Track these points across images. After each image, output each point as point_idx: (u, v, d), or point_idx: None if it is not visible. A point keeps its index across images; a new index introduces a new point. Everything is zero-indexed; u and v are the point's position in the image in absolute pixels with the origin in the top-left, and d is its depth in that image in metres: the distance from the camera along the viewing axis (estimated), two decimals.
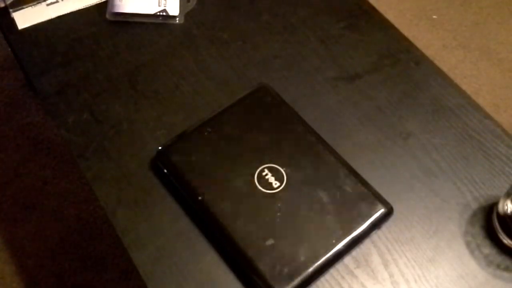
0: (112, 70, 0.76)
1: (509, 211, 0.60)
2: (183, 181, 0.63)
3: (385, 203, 0.62)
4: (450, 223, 0.63)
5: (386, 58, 0.77)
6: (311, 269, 0.57)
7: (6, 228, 1.21)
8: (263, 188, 0.62)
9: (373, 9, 0.83)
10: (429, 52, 1.39)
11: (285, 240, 0.59)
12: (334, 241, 0.59)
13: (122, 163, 0.68)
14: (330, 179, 0.63)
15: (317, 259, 0.58)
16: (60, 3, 0.83)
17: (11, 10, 0.81)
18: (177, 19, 0.81)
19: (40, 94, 0.74)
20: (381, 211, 0.61)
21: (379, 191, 0.63)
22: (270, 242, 0.59)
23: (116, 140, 0.70)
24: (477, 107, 0.72)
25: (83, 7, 0.83)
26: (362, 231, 0.60)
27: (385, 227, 0.63)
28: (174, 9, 0.82)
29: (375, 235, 0.62)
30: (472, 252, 0.61)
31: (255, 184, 0.62)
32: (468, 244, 0.62)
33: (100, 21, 0.81)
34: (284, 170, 0.63)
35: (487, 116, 0.71)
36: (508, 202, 0.60)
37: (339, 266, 0.60)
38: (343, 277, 0.60)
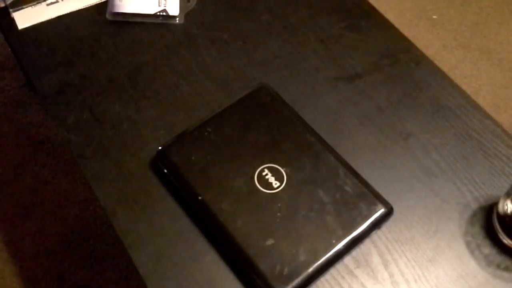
0: (112, 70, 0.76)
1: (509, 211, 0.60)
2: (183, 181, 0.63)
3: (385, 203, 0.62)
4: (450, 223, 0.63)
5: (386, 58, 0.77)
6: (311, 269, 0.57)
7: (6, 228, 1.21)
8: (263, 188, 0.62)
9: (373, 9, 0.83)
10: (429, 52, 1.39)
11: (285, 240, 0.59)
12: (334, 241, 0.59)
13: (122, 163, 0.68)
14: (330, 179, 0.63)
15: (317, 259, 0.58)
16: (60, 3, 0.83)
17: (11, 10, 0.81)
18: (177, 19, 0.81)
19: (40, 94, 0.74)
20: (381, 211, 0.61)
21: (379, 191, 0.63)
22: (270, 242, 0.59)
23: (116, 140, 0.70)
24: (477, 107, 0.72)
25: (83, 7, 0.83)
26: (362, 231, 0.60)
27: (385, 227, 0.63)
28: (174, 9, 0.82)
29: (375, 235, 0.62)
30: (472, 252, 0.61)
31: (255, 184, 0.62)
32: (468, 244, 0.62)
33: (100, 21, 0.81)
34: (284, 170, 0.63)
35: (487, 116, 0.71)
36: (508, 202, 0.60)
37: (339, 266, 0.60)
38: (343, 277, 0.60)
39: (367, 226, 0.60)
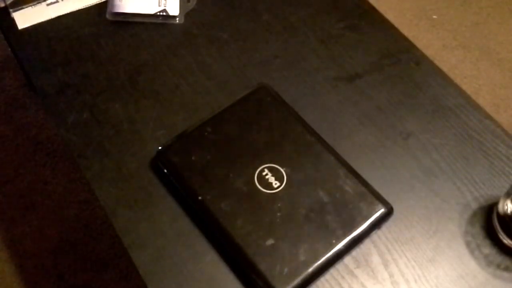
0: (112, 70, 0.76)
1: (509, 211, 0.60)
2: (183, 181, 0.63)
3: (385, 203, 0.62)
4: (450, 223, 0.63)
5: (386, 58, 0.77)
6: (311, 269, 0.57)
7: (6, 228, 1.21)
8: (263, 188, 0.62)
9: (373, 9, 0.83)
10: (429, 52, 1.39)
11: (285, 240, 0.59)
12: (334, 241, 0.59)
13: (122, 163, 0.68)
14: (330, 179, 0.63)
15: (317, 259, 0.58)
16: (60, 3, 0.83)
17: (11, 10, 0.81)
18: (177, 19, 0.81)
19: (40, 94, 0.74)
20: (381, 211, 0.61)
21: (379, 191, 0.63)
22: (270, 242, 0.59)
23: (116, 140, 0.70)
24: (477, 107, 0.72)
25: (83, 7, 0.83)
26: (362, 231, 0.60)
27: (385, 227, 0.63)
28: (174, 9, 0.82)
29: (375, 235, 0.62)
30: (472, 252, 0.61)
31: (255, 184, 0.62)
32: (468, 244, 0.62)
33: (100, 21, 0.81)
34: (284, 170, 0.63)
35: (487, 116, 0.71)
36: (508, 202, 0.60)
37: (339, 266, 0.60)
38: (343, 277, 0.60)
39: (367, 226, 0.60)
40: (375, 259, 0.61)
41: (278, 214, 0.60)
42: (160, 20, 0.81)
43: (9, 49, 1.45)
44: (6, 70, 1.46)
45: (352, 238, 0.59)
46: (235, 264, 0.60)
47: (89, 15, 0.82)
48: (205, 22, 0.81)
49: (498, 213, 0.62)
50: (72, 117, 0.71)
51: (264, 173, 0.63)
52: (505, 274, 0.60)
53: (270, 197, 0.61)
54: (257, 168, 0.63)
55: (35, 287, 1.14)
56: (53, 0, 0.83)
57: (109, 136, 0.70)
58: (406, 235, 0.63)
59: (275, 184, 0.62)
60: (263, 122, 0.67)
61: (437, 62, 0.81)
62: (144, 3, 0.81)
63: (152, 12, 0.81)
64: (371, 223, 0.60)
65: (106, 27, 0.81)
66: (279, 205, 0.61)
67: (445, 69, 0.81)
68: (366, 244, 0.62)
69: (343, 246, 0.59)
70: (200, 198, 0.62)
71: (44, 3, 0.83)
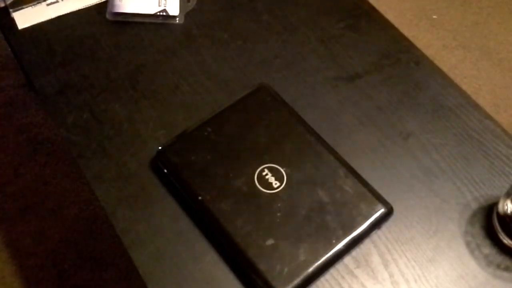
0: (112, 70, 0.76)
1: (509, 211, 0.60)
2: (183, 181, 0.63)
3: (385, 203, 0.62)
4: (450, 223, 0.63)
5: (386, 58, 0.77)
6: (311, 269, 0.57)
7: (6, 228, 1.21)
8: (263, 188, 0.62)
9: (373, 9, 0.83)
10: (429, 52, 1.39)
11: (285, 240, 0.59)
12: (334, 241, 0.59)
13: (122, 163, 0.68)
14: (330, 179, 0.63)
15: (317, 259, 0.58)
16: (60, 3, 0.83)
17: (11, 10, 0.81)
18: (177, 19, 0.81)
19: (40, 94, 0.74)
20: (381, 211, 0.61)
21: (379, 191, 0.63)
22: (270, 242, 0.58)
23: (116, 140, 0.70)
24: (477, 107, 0.72)
25: (83, 7, 0.83)
26: (362, 231, 0.60)
27: (385, 227, 0.63)
28: (174, 9, 0.82)
29: (375, 235, 0.62)
30: (472, 252, 0.61)
31: (255, 184, 0.62)
32: (468, 244, 0.62)
33: (100, 21, 0.81)
34: (284, 170, 0.63)
35: (487, 116, 0.71)
36: (508, 202, 0.60)
37: (339, 266, 0.60)
38: (343, 277, 0.60)
39: (367, 226, 0.60)
40: (375, 259, 0.61)
41: (278, 214, 0.60)
42: (160, 20, 0.81)
43: (9, 49, 1.45)
44: (6, 70, 1.46)
45: (352, 238, 0.59)
46: (235, 264, 0.60)
47: (89, 15, 0.82)
48: (205, 22, 0.81)
49: (498, 213, 0.62)
50: (72, 117, 0.71)
51: (264, 173, 0.63)
52: (505, 274, 0.60)
53: (270, 197, 0.61)
54: (257, 168, 0.63)
55: (35, 287, 1.14)
56: (53, 0, 0.83)
57: (109, 136, 0.70)
58: (406, 235, 0.63)
59: (275, 184, 0.62)
60: (263, 122, 0.67)
61: (437, 62, 0.81)
62: (144, 3, 0.81)
63: (152, 12, 0.81)
64: (371, 223, 0.60)
65: (106, 27, 0.81)
66: (279, 205, 0.61)
67: (445, 69, 0.81)
68: (366, 244, 0.62)
69: (343, 246, 0.59)
70: (200, 198, 0.62)
71: (44, 3, 0.83)
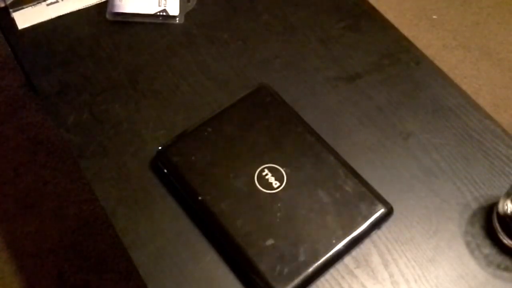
0: (112, 70, 0.76)
1: (509, 211, 0.60)
2: (183, 181, 0.63)
3: (385, 203, 0.62)
4: (450, 223, 0.63)
5: (386, 58, 0.77)
6: (311, 269, 0.57)
7: (6, 228, 1.21)
8: (263, 188, 0.62)
9: (373, 9, 0.83)
10: (429, 52, 1.39)
11: (285, 240, 0.59)
12: (334, 241, 0.59)
13: (122, 163, 0.68)
14: (330, 179, 0.63)
15: (317, 259, 0.58)
16: (60, 3, 0.83)
17: (11, 10, 0.81)
18: (177, 19, 0.81)
19: (40, 94, 0.74)
20: (381, 211, 0.61)
21: (379, 191, 0.63)
22: (270, 242, 0.59)
23: (116, 140, 0.70)
24: (477, 107, 0.72)
25: (83, 7, 0.83)
26: (362, 231, 0.60)
27: (385, 227, 0.63)
28: (174, 9, 0.82)
29: (375, 235, 0.62)
30: (472, 252, 0.61)
31: (255, 184, 0.62)
32: (468, 244, 0.62)
33: (100, 21, 0.81)
34: (284, 170, 0.63)
35: (487, 116, 0.71)
36: (508, 202, 0.60)
37: (339, 266, 0.60)
38: (343, 277, 0.60)
39: (367, 226, 0.60)
40: (375, 259, 0.61)
41: (278, 214, 0.60)
42: (160, 20, 0.81)
43: (9, 49, 1.45)
44: (6, 70, 1.46)
45: (352, 238, 0.59)
46: (235, 264, 0.60)
47: (89, 15, 0.82)
48: (205, 22, 0.81)
49: (498, 213, 0.62)
50: (72, 117, 0.71)
51: (264, 173, 0.63)
52: (505, 274, 0.60)
53: (270, 197, 0.61)
54: (257, 168, 0.63)
55: (35, 287, 1.14)
56: (53, 0, 0.83)
57: (109, 136, 0.70)
58: (406, 235, 0.63)
59: (275, 184, 0.62)
60: (263, 122, 0.67)
61: (437, 62, 0.81)
62: (144, 3, 0.81)
63: (152, 12, 0.81)
64: (371, 223, 0.60)
65: (106, 27, 0.81)
66: (279, 205, 0.61)
67: (445, 69, 0.81)
68: (366, 244, 0.62)
69: (343, 246, 0.59)
70: (200, 198, 0.62)
71: (44, 3, 0.83)
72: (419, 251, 0.61)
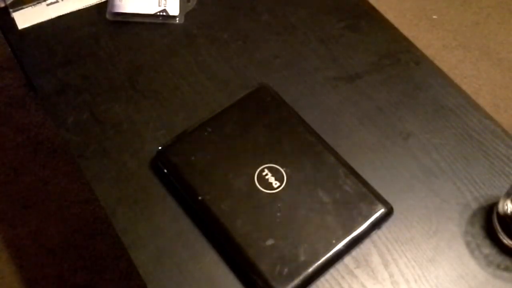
0: (112, 70, 0.76)
1: (509, 211, 0.60)
2: (183, 181, 0.63)
3: (385, 203, 0.62)
4: (450, 223, 0.63)
5: (386, 58, 0.77)
6: (311, 269, 0.57)
7: (6, 228, 1.21)
8: (263, 188, 0.62)
9: (373, 9, 0.83)
10: (429, 52, 1.39)
11: (285, 240, 0.59)
12: (334, 241, 0.59)
13: (122, 163, 0.68)
14: (330, 179, 0.63)
15: (317, 259, 0.58)
16: (60, 3, 0.83)
17: (11, 10, 0.81)
18: (177, 19, 0.81)
19: (40, 94, 0.74)
20: (381, 211, 0.61)
21: (379, 191, 0.63)
22: (270, 242, 0.58)
23: (116, 140, 0.70)
24: (477, 107, 0.72)
25: (83, 7, 0.83)
26: (362, 231, 0.60)
27: (385, 227, 0.63)
28: (174, 9, 0.82)
29: (375, 235, 0.62)
30: (472, 252, 0.61)
31: (255, 184, 0.62)
32: (468, 244, 0.62)
33: (100, 21, 0.81)
34: (284, 170, 0.63)
35: (487, 116, 0.71)
36: (508, 202, 0.60)
37: (339, 266, 0.60)
38: (343, 277, 0.60)
39: (367, 226, 0.60)
40: (375, 259, 0.61)
41: (278, 214, 0.60)
42: (160, 20, 0.81)
43: (9, 49, 1.45)
44: (6, 70, 1.46)
45: (352, 238, 0.59)
46: (235, 264, 0.60)
47: (89, 15, 0.82)
48: (205, 22, 0.81)
49: (498, 213, 0.62)
50: (72, 117, 0.72)
51: (264, 173, 0.63)
52: (505, 274, 0.60)
53: (270, 197, 0.61)
54: (257, 168, 0.63)
55: (35, 287, 1.14)
56: (53, 0, 0.83)
57: (109, 136, 0.70)
58: (406, 235, 0.63)
59: (275, 184, 0.62)
60: (263, 122, 0.67)
61: (437, 62, 0.81)
62: (144, 3, 0.81)
63: (152, 12, 0.81)
64: (371, 223, 0.60)
65: (106, 27, 0.81)
66: (279, 205, 0.61)
67: (445, 69, 0.81)
68: (366, 244, 0.62)
69: (343, 246, 0.59)
70: (200, 198, 0.62)
71: (44, 3, 0.83)
72: (419, 251, 0.61)
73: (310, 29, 0.81)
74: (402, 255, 0.61)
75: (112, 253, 1.18)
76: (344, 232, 0.59)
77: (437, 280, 0.60)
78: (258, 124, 0.67)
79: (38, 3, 0.82)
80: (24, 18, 0.81)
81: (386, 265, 0.61)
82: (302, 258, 0.58)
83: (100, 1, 0.83)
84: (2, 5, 0.81)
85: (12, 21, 0.81)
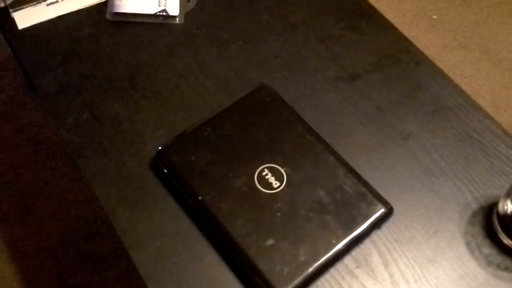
0: (112, 70, 0.76)
1: (509, 211, 0.60)
2: (183, 181, 0.63)
3: (385, 203, 0.62)
4: (450, 223, 0.63)
5: (386, 58, 0.77)
6: (311, 269, 0.57)
7: (6, 228, 1.21)
8: (263, 188, 0.62)
9: (373, 9, 0.83)
10: (429, 52, 1.39)
11: (285, 240, 0.59)
12: (334, 241, 0.59)
13: (122, 163, 0.68)
14: (330, 179, 0.63)
15: (317, 259, 0.58)
16: (60, 3, 0.83)
17: (11, 10, 0.81)
18: (177, 19, 0.81)
19: (40, 94, 0.74)
20: (381, 211, 0.61)
21: (379, 191, 0.63)
22: (270, 242, 0.58)
23: (116, 140, 0.70)
24: (477, 107, 0.72)
25: (83, 7, 0.83)
26: (362, 231, 0.60)
27: (385, 227, 0.63)
28: (174, 9, 0.82)
29: (375, 235, 0.62)
30: (472, 252, 0.61)
31: (255, 184, 0.62)
32: (468, 244, 0.62)
33: (100, 21, 0.81)
34: (284, 170, 0.63)
35: (487, 116, 0.71)
36: (508, 202, 0.60)
37: (339, 266, 0.60)
38: (343, 277, 0.60)
39: (367, 226, 0.60)
40: (375, 259, 0.61)
41: (278, 214, 0.60)
42: (160, 20, 0.81)
43: (9, 49, 1.45)
44: (6, 70, 1.46)
45: (352, 238, 0.59)
46: (235, 264, 0.60)
47: (89, 15, 0.82)
48: (205, 22, 0.82)
49: (498, 213, 0.62)
50: (72, 117, 0.72)
51: (264, 173, 0.63)
52: (505, 274, 0.60)
53: (270, 197, 0.61)
54: (257, 168, 0.63)
55: (35, 287, 1.14)
56: (53, 0, 0.83)
57: (109, 136, 0.70)
58: (406, 235, 0.63)
59: (275, 184, 0.62)
60: (263, 122, 0.67)
61: (437, 62, 0.81)
62: (144, 3, 0.81)
63: (152, 12, 0.81)
64: (371, 223, 0.60)
65: (106, 27, 0.81)
66: (279, 205, 0.61)
67: (445, 69, 0.81)
68: (366, 244, 0.62)
69: (343, 246, 0.59)
70: (200, 198, 0.62)
71: (44, 3, 0.83)
72: (419, 251, 0.61)
73: (310, 29, 0.81)
74: (402, 255, 0.61)
75: (112, 253, 1.18)
76: (344, 232, 0.59)
77: (437, 280, 0.60)
78: (258, 124, 0.67)
79: (38, 3, 0.82)
80: (24, 18, 0.81)
81: (386, 265, 0.61)
82: (302, 258, 0.58)
83: (100, 1, 0.83)
84: (2, 5, 0.81)
85: (12, 21, 0.81)
